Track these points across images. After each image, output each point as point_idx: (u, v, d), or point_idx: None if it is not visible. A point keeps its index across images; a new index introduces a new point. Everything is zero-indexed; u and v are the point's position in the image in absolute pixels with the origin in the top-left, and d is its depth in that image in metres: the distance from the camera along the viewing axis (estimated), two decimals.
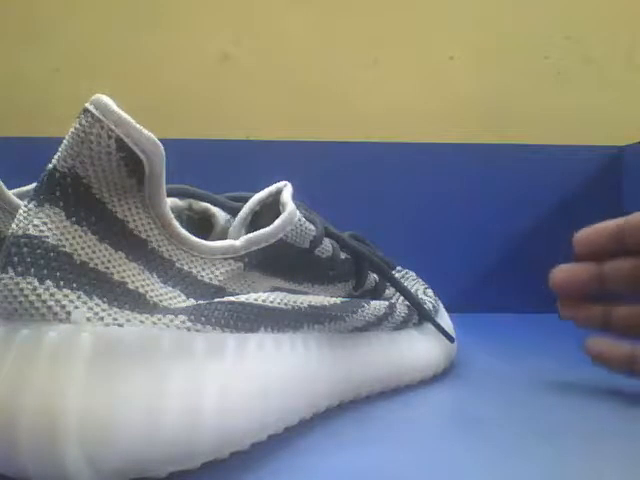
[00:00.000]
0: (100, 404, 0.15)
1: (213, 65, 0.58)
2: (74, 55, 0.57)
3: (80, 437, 0.15)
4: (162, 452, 0.17)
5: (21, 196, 0.25)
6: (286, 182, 0.24)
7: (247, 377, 0.19)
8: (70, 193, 0.16)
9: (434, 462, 0.20)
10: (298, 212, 0.22)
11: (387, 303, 0.28)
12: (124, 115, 0.16)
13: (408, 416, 0.25)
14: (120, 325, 0.16)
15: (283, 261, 0.23)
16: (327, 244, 0.25)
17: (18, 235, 0.16)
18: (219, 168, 0.52)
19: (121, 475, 0.16)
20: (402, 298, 0.30)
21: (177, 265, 0.19)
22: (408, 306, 0.29)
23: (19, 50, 0.57)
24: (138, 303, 0.17)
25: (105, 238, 0.17)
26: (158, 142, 0.17)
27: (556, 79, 0.60)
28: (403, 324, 0.29)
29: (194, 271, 0.19)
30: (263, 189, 0.24)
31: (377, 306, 0.27)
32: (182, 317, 0.18)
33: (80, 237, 0.16)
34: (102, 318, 0.16)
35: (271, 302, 0.21)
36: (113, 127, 0.16)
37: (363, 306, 0.26)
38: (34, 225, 0.16)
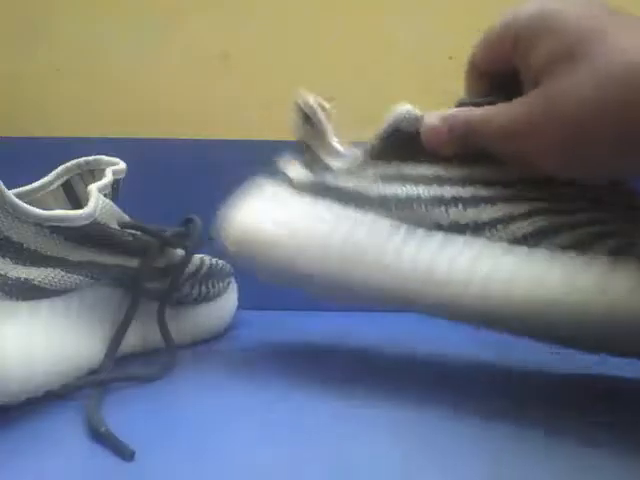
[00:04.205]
0: None
1: (213, 65, 0.58)
2: (74, 55, 0.57)
3: None
4: None
5: (21, 196, 0.25)
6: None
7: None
8: None
9: (434, 462, 0.20)
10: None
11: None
12: None
13: (407, 416, 0.25)
14: None
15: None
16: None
17: None
18: (219, 168, 0.52)
19: None
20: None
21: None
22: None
23: (19, 50, 0.57)
24: None
25: None
26: None
27: None
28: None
29: None
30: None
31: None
32: None
33: None
34: None
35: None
36: None
37: None
38: None
